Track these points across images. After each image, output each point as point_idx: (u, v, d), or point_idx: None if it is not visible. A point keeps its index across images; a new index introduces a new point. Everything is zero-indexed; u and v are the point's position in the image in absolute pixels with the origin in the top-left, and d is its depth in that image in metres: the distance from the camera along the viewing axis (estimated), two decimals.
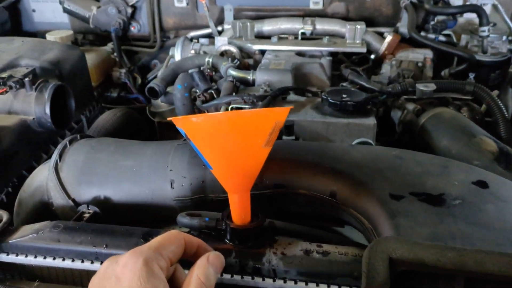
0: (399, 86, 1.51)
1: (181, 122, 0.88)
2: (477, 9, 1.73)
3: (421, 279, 0.72)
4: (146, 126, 1.91)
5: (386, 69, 1.78)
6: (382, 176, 0.96)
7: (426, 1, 1.86)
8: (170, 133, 2.00)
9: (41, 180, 1.20)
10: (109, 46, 2.39)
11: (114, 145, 1.19)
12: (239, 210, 0.92)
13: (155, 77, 2.31)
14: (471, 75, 1.80)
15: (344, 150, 1.06)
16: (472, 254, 0.68)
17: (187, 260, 0.74)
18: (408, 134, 1.54)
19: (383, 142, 1.44)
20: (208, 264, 0.71)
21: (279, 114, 0.88)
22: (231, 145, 0.86)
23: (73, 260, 0.93)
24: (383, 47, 1.93)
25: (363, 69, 1.88)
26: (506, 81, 1.76)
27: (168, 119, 0.93)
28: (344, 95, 1.39)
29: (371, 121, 1.33)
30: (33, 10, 2.55)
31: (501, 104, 1.41)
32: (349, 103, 1.33)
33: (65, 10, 2.36)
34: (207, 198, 1.08)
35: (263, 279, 0.85)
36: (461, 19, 1.99)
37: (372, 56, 1.98)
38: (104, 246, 0.93)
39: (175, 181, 1.08)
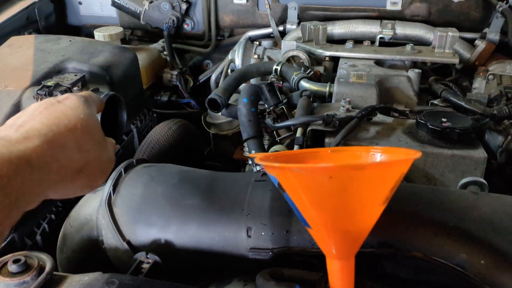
0: (507, 108, 1.28)
1: (277, 171, 0.69)
2: None
3: None
4: (202, 138, 1.72)
5: (480, 85, 1.54)
6: None
7: None
8: (225, 144, 1.82)
9: (90, 213, 1.02)
10: (159, 43, 2.22)
11: (178, 176, 1.00)
12: (341, 281, 0.73)
13: (208, 78, 2.14)
14: None
15: (469, 202, 0.85)
16: None
17: None
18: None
19: None
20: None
21: (405, 164, 0.68)
22: (341, 203, 0.66)
23: None
24: (473, 56, 1.69)
25: (450, 80, 1.64)
26: None
27: (257, 160, 0.74)
28: (443, 119, 1.17)
29: (481, 154, 1.11)
30: (80, 3, 2.40)
31: None
32: (456, 130, 1.11)
33: (114, 4, 2.19)
34: (290, 252, 0.88)
35: None
36: None
37: (458, 67, 1.74)
38: None
39: (252, 229, 0.89)
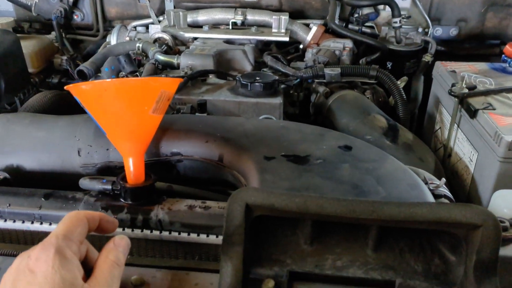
0: (310, 70, 1.63)
1: (74, 90, 0.96)
2: (389, 2, 1.87)
3: (275, 222, 0.82)
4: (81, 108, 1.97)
5: (308, 57, 1.89)
6: (263, 142, 1.06)
7: None
8: None
9: None
10: (53, 34, 2.45)
11: (30, 118, 1.26)
12: (133, 172, 1.00)
13: None
14: (389, 64, 1.93)
15: (238, 123, 1.16)
16: (315, 199, 0.78)
17: None
18: (320, 115, 1.65)
19: None
20: (115, 246, 0.74)
21: (167, 84, 0.97)
22: (120, 111, 0.94)
23: None
24: (309, 37, 2.05)
25: (294, 57, 1.99)
26: (419, 69, 1.89)
27: (65, 87, 1.00)
28: (257, 78, 1.50)
29: (277, 100, 1.44)
30: None
31: (400, 88, 1.53)
32: (256, 83, 1.44)
33: None
34: (111, 165, 1.16)
35: (151, 231, 0.94)
36: (384, 13, 2.11)
37: (301, 46, 2.10)
38: (8, 205, 1.00)
39: (82, 150, 1.17)
